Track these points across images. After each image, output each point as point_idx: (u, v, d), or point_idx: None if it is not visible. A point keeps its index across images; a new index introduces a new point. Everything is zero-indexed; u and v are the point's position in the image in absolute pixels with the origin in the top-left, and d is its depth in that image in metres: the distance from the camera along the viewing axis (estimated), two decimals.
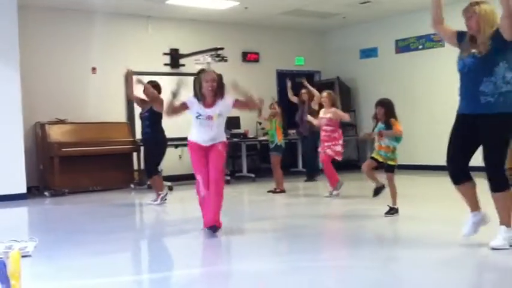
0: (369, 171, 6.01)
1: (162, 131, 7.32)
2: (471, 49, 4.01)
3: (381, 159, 5.90)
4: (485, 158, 4.00)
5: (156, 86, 7.33)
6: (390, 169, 5.88)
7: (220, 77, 5.15)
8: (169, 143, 7.78)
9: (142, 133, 7.48)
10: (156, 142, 7.32)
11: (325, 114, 7.59)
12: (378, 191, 6.07)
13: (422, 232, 4.96)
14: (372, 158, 6.01)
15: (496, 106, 3.91)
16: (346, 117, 7.71)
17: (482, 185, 4.16)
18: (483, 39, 3.94)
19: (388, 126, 5.81)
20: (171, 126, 7.33)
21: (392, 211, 5.77)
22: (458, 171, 4.13)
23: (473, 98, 3.99)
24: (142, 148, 7.70)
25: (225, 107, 5.12)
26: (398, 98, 10.23)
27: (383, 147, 5.89)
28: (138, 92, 7.57)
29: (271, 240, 5.14)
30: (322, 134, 7.60)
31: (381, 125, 5.88)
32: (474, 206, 4.18)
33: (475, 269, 3.84)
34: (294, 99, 9.66)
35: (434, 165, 9.69)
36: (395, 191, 5.84)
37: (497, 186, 3.98)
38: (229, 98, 5.17)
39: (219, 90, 5.10)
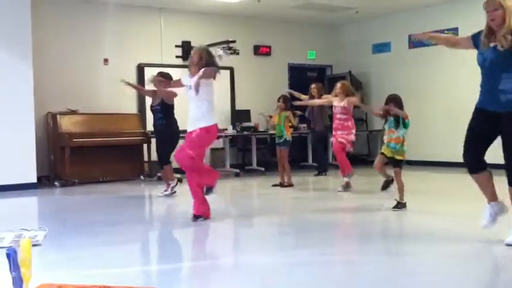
0: (381, 167, 6.09)
1: (175, 122, 7.38)
2: (490, 43, 3.96)
3: (389, 154, 5.89)
4: (505, 151, 3.98)
5: (165, 77, 7.31)
6: (398, 164, 5.90)
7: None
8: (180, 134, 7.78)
9: (156, 124, 7.45)
10: (170, 132, 7.36)
11: (339, 102, 7.62)
12: (386, 185, 6.12)
13: (432, 227, 4.94)
14: (382, 153, 6.04)
15: None
16: (356, 100, 7.71)
17: (499, 182, 4.14)
18: (505, 33, 3.86)
19: (398, 120, 5.83)
20: (179, 119, 7.35)
21: (400, 205, 5.77)
22: (474, 160, 4.13)
23: (493, 96, 3.96)
24: (154, 139, 7.71)
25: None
26: (412, 94, 10.24)
27: (393, 138, 5.87)
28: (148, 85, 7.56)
29: (279, 234, 5.14)
30: (336, 122, 7.63)
31: (390, 118, 5.90)
32: (491, 196, 4.17)
33: (486, 265, 3.80)
34: (303, 98, 9.54)
35: (446, 162, 9.62)
36: (403, 185, 5.84)
37: None
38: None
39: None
